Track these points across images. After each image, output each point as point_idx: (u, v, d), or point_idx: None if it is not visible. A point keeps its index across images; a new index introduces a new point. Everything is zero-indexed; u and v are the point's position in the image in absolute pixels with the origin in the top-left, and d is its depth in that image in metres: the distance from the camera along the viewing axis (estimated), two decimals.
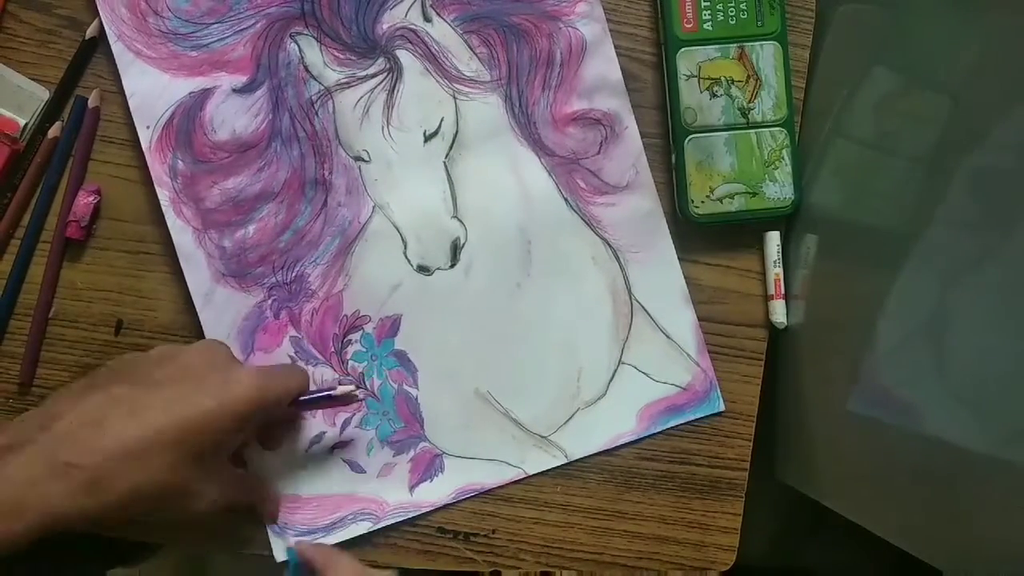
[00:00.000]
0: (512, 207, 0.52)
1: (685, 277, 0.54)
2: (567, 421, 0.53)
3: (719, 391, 0.54)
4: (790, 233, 0.54)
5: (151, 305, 0.51)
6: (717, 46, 0.51)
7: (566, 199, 0.52)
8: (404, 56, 0.51)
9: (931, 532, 0.43)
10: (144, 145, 0.49)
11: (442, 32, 0.51)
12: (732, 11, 0.51)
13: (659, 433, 0.54)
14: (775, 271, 0.53)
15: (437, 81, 0.51)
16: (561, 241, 0.53)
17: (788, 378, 0.55)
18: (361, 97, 0.50)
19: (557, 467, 0.53)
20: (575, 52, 0.51)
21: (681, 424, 0.54)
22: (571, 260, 0.53)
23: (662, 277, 0.53)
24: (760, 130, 0.52)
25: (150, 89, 0.49)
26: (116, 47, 0.49)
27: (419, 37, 0.50)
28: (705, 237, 0.53)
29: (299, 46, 0.50)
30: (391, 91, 0.50)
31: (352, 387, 0.49)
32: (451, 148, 0.52)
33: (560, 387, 0.53)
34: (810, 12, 0.53)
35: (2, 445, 0.39)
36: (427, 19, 0.50)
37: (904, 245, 0.44)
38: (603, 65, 0.52)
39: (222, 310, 0.51)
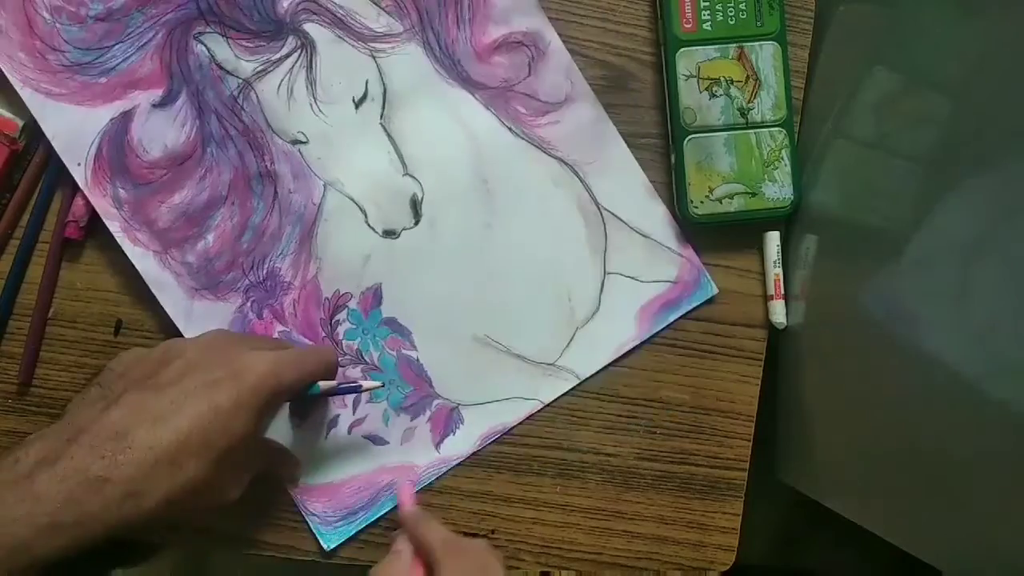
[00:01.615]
0: (460, 151, 0.52)
1: None
2: (569, 343, 0.53)
3: (709, 276, 0.53)
4: (790, 233, 0.54)
5: (150, 305, 0.51)
6: (716, 46, 0.51)
7: (510, 128, 0.52)
8: (312, 29, 0.50)
9: (931, 532, 0.43)
10: (81, 184, 0.49)
11: None
12: (731, 11, 0.51)
13: (665, 329, 0.54)
14: (775, 271, 0.53)
15: (352, 45, 0.50)
16: (517, 172, 0.52)
17: (788, 378, 0.55)
18: (281, 80, 0.50)
19: (571, 389, 0.53)
20: None
21: (682, 316, 0.54)
22: (532, 187, 0.53)
23: (623, 180, 0.53)
24: (759, 130, 0.51)
25: (70, 126, 0.48)
26: (24, 93, 0.48)
27: (322, 6, 0.50)
28: (705, 237, 0.53)
29: (206, 46, 0.49)
30: (309, 67, 0.50)
31: (379, 384, 0.49)
32: (384, 108, 0.51)
33: (554, 313, 0.53)
34: (809, 12, 0.53)
35: (32, 462, 0.39)
36: None
37: (904, 245, 0.44)
38: None
39: (205, 324, 0.50)
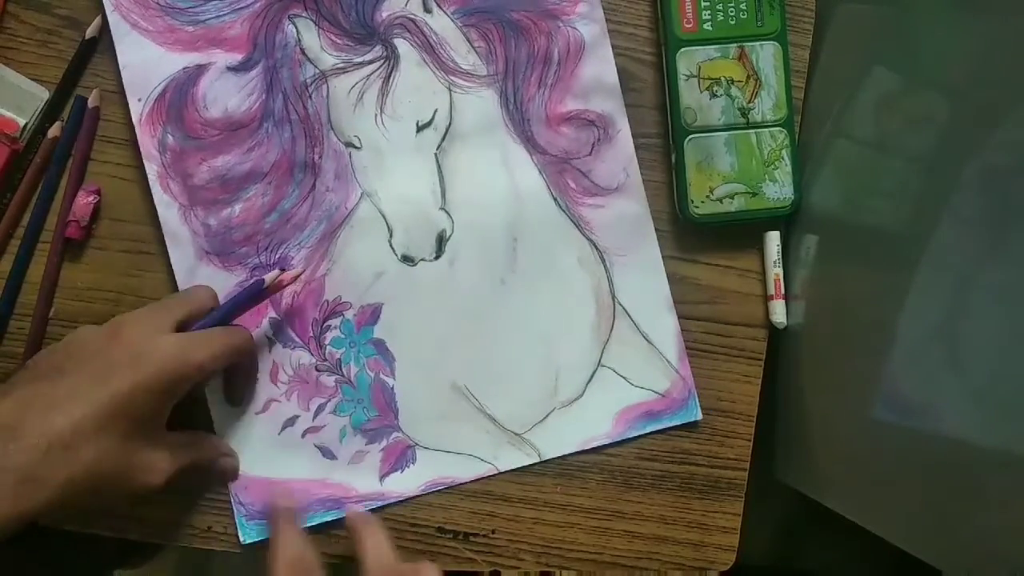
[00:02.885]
0: (501, 203, 0.52)
1: (685, 277, 0.54)
2: (542, 420, 0.53)
3: (697, 400, 0.53)
4: (790, 233, 0.54)
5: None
6: (717, 46, 0.51)
7: (555, 198, 0.52)
8: (402, 45, 0.51)
9: (931, 532, 0.43)
10: (134, 118, 0.49)
11: (441, 24, 0.51)
12: (732, 11, 0.51)
13: (635, 439, 0.53)
14: (775, 271, 0.53)
15: (433, 72, 0.51)
16: (548, 240, 0.53)
17: (788, 378, 0.55)
18: (356, 83, 0.51)
19: (528, 466, 0.53)
20: (573, 52, 0.52)
21: (656, 431, 0.53)
22: (556, 259, 0.53)
23: (647, 282, 0.53)
24: (760, 130, 0.52)
25: (144, 62, 0.49)
26: (112, 17, 0.49)
27: (418, 27, 0.51)
28: (705, 237, 0.53)
29: (297, 28, 0.50)
30: (386, 79, 0.51)
31: (299, 270, 0.49)
32: (443, 140, 0.52)
33: (537, 385, 0.53)
34: (810, 12, 0.53)
35: None
36: (427, 10, 0.51)
37: (904, 245, 0.44)
38: (600, 66, 0.52)
39: None
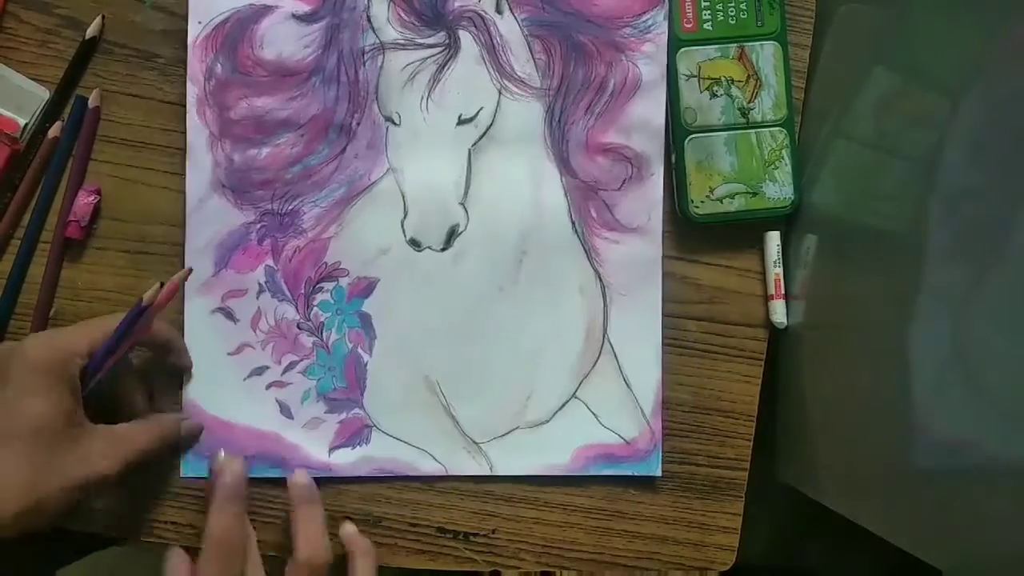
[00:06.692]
0: (519, 213, 0.52)
1: (685, 277, 0.54)
2: (503, 436, 0.53)
3: (660, 456, 0.53)
4: (790, 233, 0.54)
5: None
6: (717, 46, 0.51)
7: (573, 222, 0.53)
8: (465, 38, 0.51)
9: (931, 532, 0.43)
10: (189, 39, 0.50)
11: (509, 27, 0.51)
12: (732, 11, 0.51)
13: (589, 478, 0.53)
14: (775, 271, 0.53)
15: (488, 71, 0.51)
16: (555, 261, 0.53)
17: (788, 378, 0.55)
18: (411, 63, 0.51)
19: (477, 476, 0.53)
20: (628, 87, 0.52)
21: (613, 475, 0.53)
22: (559, 282, 0.53)
23: (641, 327, 0.53)
24: (760, 130, 0.52)
25: None
26: None
27: (486, 25, 0.51)
28: (705, 237, 0.54)
29: None
30: (442, 67, 0.51)
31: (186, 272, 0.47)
32: (480, 138, 0.52)
33: (508, 400, 0.53)
34: (810, 12, 0.54)
35: None
36: (499, 10, 0.51)
37: (904, 245, 0.44)
38: (651, 108, 0.52)
39: (210, 219, 0.51)
